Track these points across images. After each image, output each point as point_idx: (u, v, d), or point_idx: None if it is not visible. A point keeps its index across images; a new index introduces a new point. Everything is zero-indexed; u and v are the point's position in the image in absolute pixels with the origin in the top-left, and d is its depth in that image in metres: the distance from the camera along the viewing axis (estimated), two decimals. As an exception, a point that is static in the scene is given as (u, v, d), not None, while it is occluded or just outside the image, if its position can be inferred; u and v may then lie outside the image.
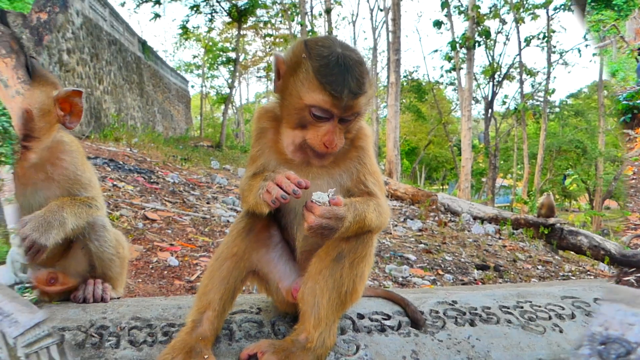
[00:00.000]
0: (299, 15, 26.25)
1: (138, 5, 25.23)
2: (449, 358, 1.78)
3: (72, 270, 2.16)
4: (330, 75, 1.62)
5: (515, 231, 10.72)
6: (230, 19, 28.27)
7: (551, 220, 10.66)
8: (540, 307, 2.15)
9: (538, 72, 31.50)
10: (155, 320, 1.86)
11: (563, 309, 2.15)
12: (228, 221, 6.90)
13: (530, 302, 2.18)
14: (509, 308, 2.11)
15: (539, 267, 7.75)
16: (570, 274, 7.60)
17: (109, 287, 2.15)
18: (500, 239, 9.92)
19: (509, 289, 2.35)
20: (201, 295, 1.78)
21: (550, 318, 2.08)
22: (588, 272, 8.11)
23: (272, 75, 1.88)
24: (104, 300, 2.07)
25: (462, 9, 24.29)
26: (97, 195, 2.16)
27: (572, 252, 10.32)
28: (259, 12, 30.62)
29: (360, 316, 1.96)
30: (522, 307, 2.13)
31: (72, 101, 2.08)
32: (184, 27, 28.52)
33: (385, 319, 1.95)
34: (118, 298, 2.20)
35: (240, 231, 1.82)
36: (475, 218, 11.65)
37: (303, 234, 1.82)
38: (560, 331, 1.99)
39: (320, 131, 1.67)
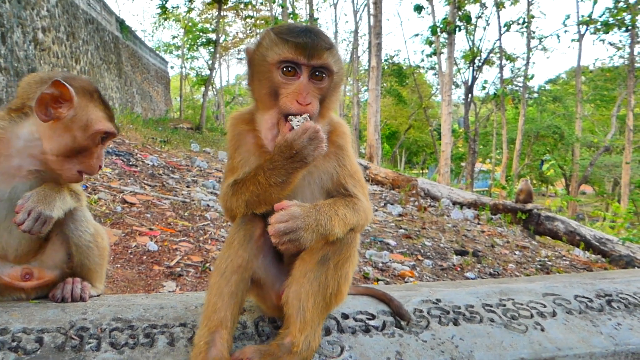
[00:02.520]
0: (280, -3, 25.90)
1: (115, -17, 24.61)
2: (432, 359, 1.78)
3: (49, 262, 2.11)
4: (291, 32, 1.69)
5: (493, 216, 10.86)
6: (211, 0, 27.83)
7: (529, 206, 10.84)
8: (522, 304, 2.16)
9: (517, 57, 31.88)
10: (137, 321, 1.82)
11: (545, 306, 2.17)
12: (208, 205, 6.85)
13: (513, 299, 2.20)
14: (491, 306, 2.12)
15: (517, 252, 7.89)
16: (546, 259, 7.74)
17: (88, 286, 2.10)
18: (479, 224, 10.05)
19: (491, 285, 2.36)
20: (211, 314, 1.70)
21: (532, 316, 2.09)
22: (564, 258, 8.26)
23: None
24: (82, 299, 2.02)
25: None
26: (81, 192, 2.20)
27: (549, 238, 10.50)
28: (239, -8, 30.22)
29: (345, 316, 1.95)
30: (504, 305, 2.14)
31: None
32: (163, 7, 27.99)
33: (369, 319, 1.95)
34: (98, 296, 2.16)
35: (241, 241, 1.77)
36: (454, 203, 11.77)
37: None
38: (542, 330, 2.01)
39: (291, 89, 1.68)
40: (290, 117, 1.65)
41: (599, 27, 26.90)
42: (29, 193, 1.89)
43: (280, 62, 1.68)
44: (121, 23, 27.57)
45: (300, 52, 1.66)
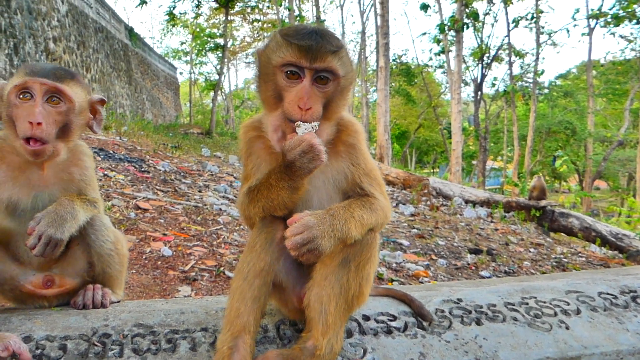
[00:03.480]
0: (286, 0, 25.96)
1: (123, -9, 24.83)
2: (456, 359, 1.77)
3: (70, 270, 2.13)
4: (296, 35, 1.66)
5: (506, 214, 10.78)
6: (218, 5, 28.03)
7: (542, 203, 10.73)
8: (545, 302, 2.14)
9: (527, 53, 31.65)
10: (158, 326, 1.82)
11: (568, 304, 2.14)
12: (220, 209, 6.86)
13: (535, 297, 2.17)
14: (514, 305, 2.10)
15: (531, 249, 7.81)
16: (562, 256, 7.66)
17: (109, 292, 2.11)
18: (492, 222, 9.97)
19: (513, 283, 2.33)
20: (234, 319, 1.70)
21: (555, 314, 2.07)
22: (580, 254, 8.17)
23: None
24: (103, 306, 2.03)
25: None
26: (99, 199, 2.20)
27: (564, 234, 10.39)
28: (246, -4, 30.37)
29: (366, 318, 1.94)
30: (527, 304, 2.11)
31: (98, 108, 2.17)
32: (170, 14, 28.15)
33: (391, 320, 1.94)
34: (118, 302, 2.16)
35: (263, 244, 1.76)
36: (467, 202, 11.69)
37: None
38: (567, 328, 1.98)
39: (293, 93, 1.66)
40: (297, 123, 1.63)
41: (609, 20, 26.62)
42: (40, 214, 1.89)
43: (283, 65, 1.66)
44: (130, 31, 27.83)
45: (303, 55, 1.63)
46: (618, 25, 26.82)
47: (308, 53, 1.63)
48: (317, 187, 1.79)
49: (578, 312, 2.10)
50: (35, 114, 1.86)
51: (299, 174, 1.62)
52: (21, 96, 1.89)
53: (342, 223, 1.62)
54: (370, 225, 1.73)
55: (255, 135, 1.86)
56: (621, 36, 29.66)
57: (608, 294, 2.27)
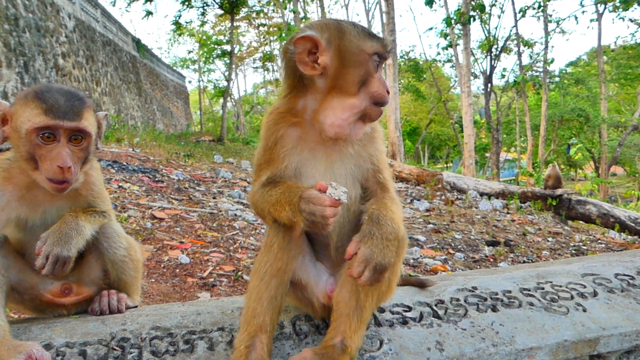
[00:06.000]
0: (291, 3, 26.03)
1: (129, 4, 25.07)
2: (473, 346, 1.76)
3: (86, 279, 2.17)
4: (374, 35, 1.76)
5: (522, 205, 10.70)
6: (223, 11, 28.16)
7: (558, 191, 10.62)
8: (561, 286, 2.13)
9: (535, 42, 31.35)
10: (176, 328, 1.84)
11: (584, 287, 2.13)
12: (235, 215, 6.89)
13: (551, 282, 2.16)
14: (529, 290, 2.09)
15: (550, 239, 7.75)
16: (581, 243, 7.58)
17: (124, 297, 2.14)
18: (508, 213, 9.90)
19: (527, 269, 2.33)
20: (250, 319, 1.71)
21: (572, 297, 2.06)
22: (599, 241, 8.08)
23: (284, 64, 1.82)
24: (119, 310, 2.06)
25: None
26: (110, 209, 2.21)
27: (582, 222, 10.29)
28: (250, 1, 30.50)
29: (381, 310, 1.95)
30: (543, 288, 2.11)
31: (102, 123, 2.15)
32: (176, 23, 28.39)
33: (406, 311, 1.94)
34: (135, 307, 2.19)
35: (281, 244, 1.74)
36: (482, 194, 11.63)
37: (337, 230, 1.79)
38: (584, 310, 1.97)
39: (377, 77, 1.71)
40: (331, 183, 1.57)
41: (618, 4, 26.27)
42: (45, 234, 1.91)
43: (375, 53, 1.70)
44: (137, 42, 28.11)
45: (386, 47, 1.73)
46: (627, 9, 26.45)
47: (387, 46, 1.74)
48: (341, 175, 1.78)
49: (595, 294, 2.09)
50: (63, 157, 1.87)
51: (304, 224, 1.60)
52: (41, 135, 1.87)
53: (389, 222, 1.61)
54: (402, 217, 1.73)
55: (295, 121, 1.78)
56: (631, 20, 29.24)
57: (625, 275, 2.25)
